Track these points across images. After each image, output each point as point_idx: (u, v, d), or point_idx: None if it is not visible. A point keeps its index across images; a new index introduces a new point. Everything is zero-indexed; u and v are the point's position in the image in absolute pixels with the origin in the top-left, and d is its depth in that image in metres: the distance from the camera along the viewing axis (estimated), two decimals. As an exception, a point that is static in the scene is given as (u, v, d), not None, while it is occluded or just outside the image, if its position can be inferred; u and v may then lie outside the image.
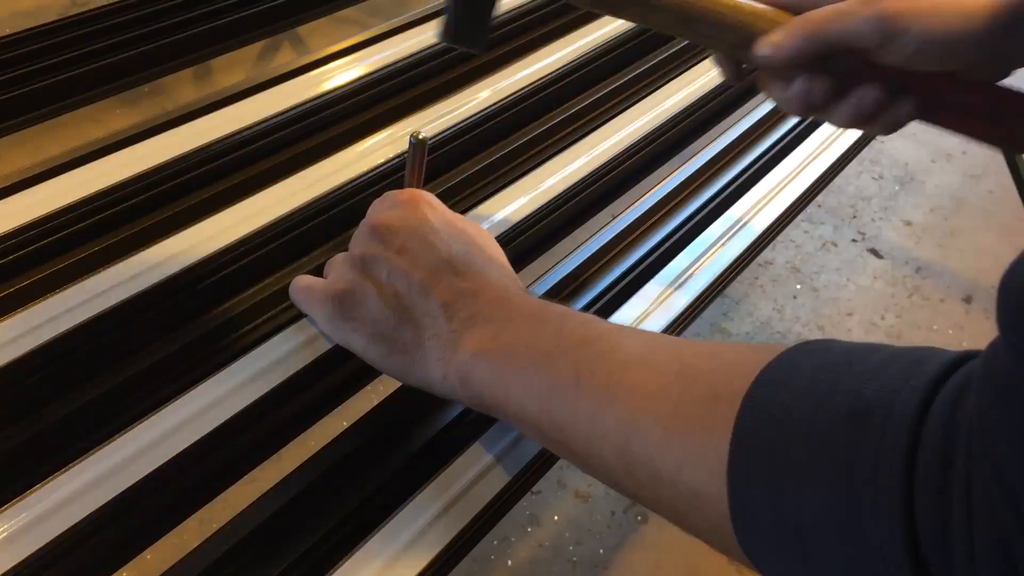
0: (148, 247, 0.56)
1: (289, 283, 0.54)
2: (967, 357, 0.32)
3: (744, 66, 0.55)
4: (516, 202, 0.66)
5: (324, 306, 0.50)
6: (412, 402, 0.51)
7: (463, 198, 0.66)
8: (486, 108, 0.72)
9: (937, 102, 0.51)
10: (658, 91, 0.81)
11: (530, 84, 0.76)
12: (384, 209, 0.52)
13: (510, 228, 0.63)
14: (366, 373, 0.52)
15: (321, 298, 0.50)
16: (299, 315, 0.53)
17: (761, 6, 0.51)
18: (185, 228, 0.57)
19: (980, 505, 0.27)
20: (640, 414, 0.39)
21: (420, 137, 0.54)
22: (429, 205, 0.52)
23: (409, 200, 0.52)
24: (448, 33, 0.54)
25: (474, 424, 0.51)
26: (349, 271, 0.50)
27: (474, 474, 0.49)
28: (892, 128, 0.52)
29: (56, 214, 0.56)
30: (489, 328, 0.46)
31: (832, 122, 0.53)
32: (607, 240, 0.64)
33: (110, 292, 0.52)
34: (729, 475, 0.34)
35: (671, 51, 0.85)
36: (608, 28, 0.84)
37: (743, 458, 0.34)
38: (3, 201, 0.56)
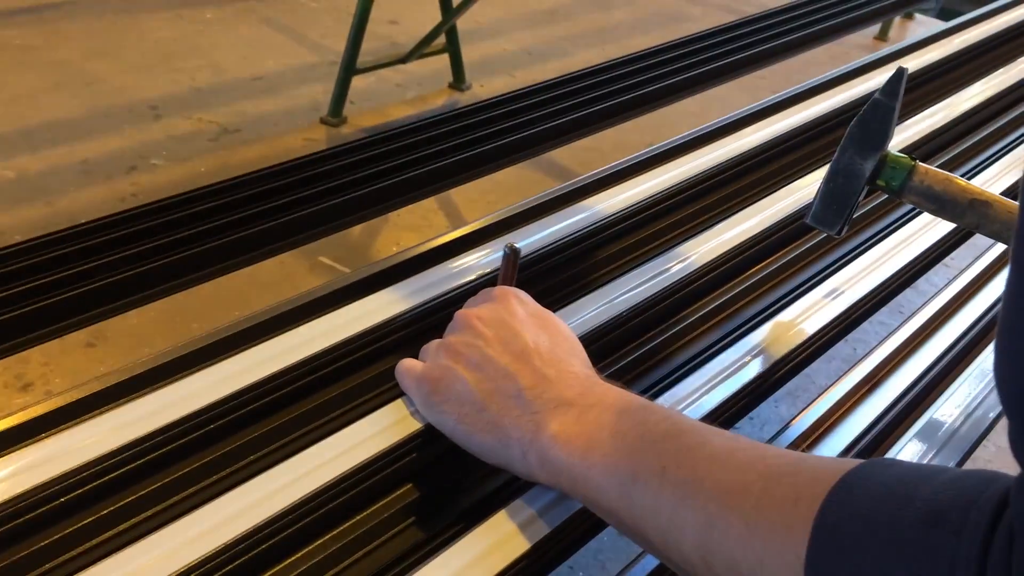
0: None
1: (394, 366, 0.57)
2: None
3: None
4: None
5: (421, 389, 0.54)
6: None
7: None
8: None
9: None
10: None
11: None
12: (477, 303, 0.57)
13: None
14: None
15: (418, 381, 0.54)
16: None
17: None
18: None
19: None
20: (723, 509, 0.41)
21: (514, 247, 0.60)
22: (518, 299, 0.56)
23: (500, 294, 0.56)
24: (813, 215, 0.65)
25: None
26: (442, 357, 0.54)
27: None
28: None
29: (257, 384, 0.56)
30: (571, 413, 0.48)
31: None
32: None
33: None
34: (807, 572, 0.36)
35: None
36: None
37: (821, 556, 0.36)
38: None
